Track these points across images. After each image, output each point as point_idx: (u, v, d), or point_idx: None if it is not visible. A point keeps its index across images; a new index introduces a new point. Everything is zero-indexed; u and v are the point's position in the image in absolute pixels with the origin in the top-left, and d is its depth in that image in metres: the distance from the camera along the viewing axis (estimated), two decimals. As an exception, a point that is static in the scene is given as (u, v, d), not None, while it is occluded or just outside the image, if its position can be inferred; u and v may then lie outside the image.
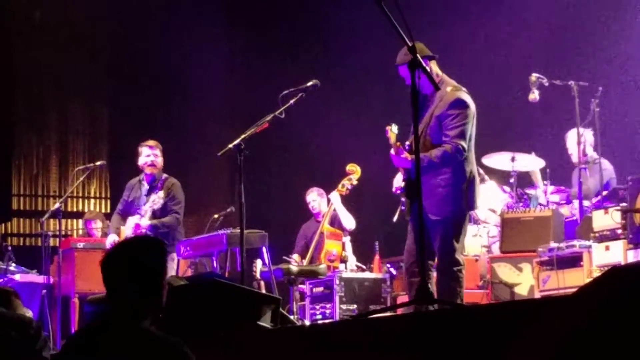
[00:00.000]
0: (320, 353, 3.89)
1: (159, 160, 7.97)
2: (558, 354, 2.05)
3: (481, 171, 7.99)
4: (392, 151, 5.65)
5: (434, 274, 5.73)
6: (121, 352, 2.97)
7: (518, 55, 9.49)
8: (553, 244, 7.18)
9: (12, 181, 11.91)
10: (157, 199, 7.66)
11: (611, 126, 8.54)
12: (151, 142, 7.99)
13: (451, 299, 5.36)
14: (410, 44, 4.61)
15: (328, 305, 8.13)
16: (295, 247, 9.10)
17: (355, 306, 8.07)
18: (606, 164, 8.22)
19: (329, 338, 3.97)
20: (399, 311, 5.71)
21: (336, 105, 10.51)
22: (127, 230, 7.71)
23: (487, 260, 7.91)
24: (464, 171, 5.62)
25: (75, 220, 11.67)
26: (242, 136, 6.01)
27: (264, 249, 7.43)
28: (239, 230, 6.17)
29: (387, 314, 6.02)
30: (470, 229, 8.03)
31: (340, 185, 8.74)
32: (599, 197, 7.67)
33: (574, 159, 8.26)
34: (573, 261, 6.98)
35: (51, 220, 9.38)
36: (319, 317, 8.17)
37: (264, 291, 7.39)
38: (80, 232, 10.81)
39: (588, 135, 8.19)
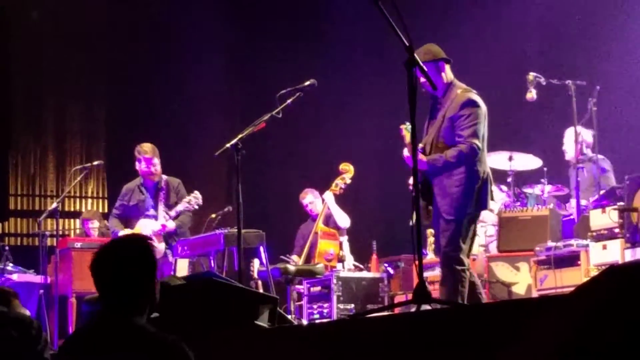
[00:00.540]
0: (318, 352, 3.89)
1: (158, 168, 7.99)
2: (556, 353, 2.05)
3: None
4: (406, 152, 5.65)
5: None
6: (119, 351, 2.98)
7: (515, 54, 9.49)
8: (550, 243, 7.18)
9: (9, 181, 11.88)
10: (184, 202, 7.75)
11: (609, 125, 8.53)
12: (148, 150, 7.91)
13: (454, 299, 5.36)
14: (407, 44, 4.62)
15: (325, 305, 8.14)
16: (294, 248, 9.09)
17: (352, 305, 8.07)
18: (604, 162, 8.21)
19: (326, 337, 3.97)
20: (397, 310, 5.71)
21: (333, 104, 10.51)
22: (145, 231, 7.67)
23: (485, 259, 7.90)
24: (478, 171, 5.63)
25: (72, 220, 11.64)
26: (240, 136, 6.01)
27: (262, 249, 7.43)
28: (236, 230, 6.17)
29: (385, 313, 6.02)
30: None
31: (333, 185, 8.72)
32: (596, 196, 7.67)
33: (568, 156, 8.28)
34: (570, 260, 6.98)
35: (48, 220, 9.37)
36: (317, 316, 8.18)
37: (261, 291, 7.39)
38: (78, 231, 10.79)
39: (586, 135, 8.19)
